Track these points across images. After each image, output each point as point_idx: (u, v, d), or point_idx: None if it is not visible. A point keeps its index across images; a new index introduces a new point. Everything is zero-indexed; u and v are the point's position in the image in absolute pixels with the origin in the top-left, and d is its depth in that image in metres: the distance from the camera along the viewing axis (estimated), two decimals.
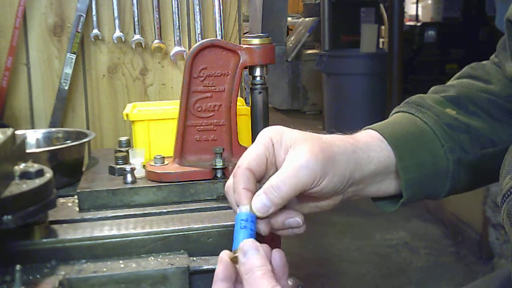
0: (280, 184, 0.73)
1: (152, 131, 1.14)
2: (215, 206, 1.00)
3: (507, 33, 0.87)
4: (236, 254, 0.70)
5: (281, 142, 0.78)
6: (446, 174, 0.86)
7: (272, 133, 0.78)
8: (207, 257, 0.89)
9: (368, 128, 0.88)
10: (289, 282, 0.76)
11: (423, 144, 0.85)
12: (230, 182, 0.77)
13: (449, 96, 0.90)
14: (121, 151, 1.15)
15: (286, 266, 0.74)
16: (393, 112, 0.93)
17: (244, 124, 1.15)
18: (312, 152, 0.76)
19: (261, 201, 0.74)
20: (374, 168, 0.83)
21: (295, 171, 0.74)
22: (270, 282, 0.67)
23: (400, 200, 0.85)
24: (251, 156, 0.76)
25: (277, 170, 0.77)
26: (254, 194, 0.74)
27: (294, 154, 0.76)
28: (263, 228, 0.76)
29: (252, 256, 0.69)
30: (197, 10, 1.53)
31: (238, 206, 0.74)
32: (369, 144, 0.83)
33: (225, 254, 0.71)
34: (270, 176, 0.76)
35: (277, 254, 0.73)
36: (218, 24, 1.52)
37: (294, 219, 0.79)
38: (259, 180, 0.77)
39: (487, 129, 0.88)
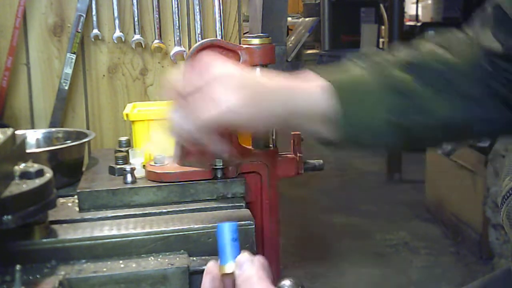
0: (205, 118, 0.80)
1: (152, 131, 1.14)
2: (215, 206, 1.00)
3: (493, 18, 0.88)
4: (227, 271, 0.70)
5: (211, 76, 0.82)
6: (382, 133, 0.89)
7: (205, 63, 0.83)
8: (207, 257, 0.89)
9: (313, 74, 0.90)
10: (289, 282, 0.76)
11: (364, 100, 0.88)
12: None
13: (405, 60, 0.91)
14: (121, 151, 1.15)
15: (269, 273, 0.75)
16: (346, 60, 0.95)
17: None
18: (242, 98, 0.81)
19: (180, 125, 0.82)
20: (309, 112, 0.87)
21: (222, 108, 0.81)
22: (267, 285, 0.68)
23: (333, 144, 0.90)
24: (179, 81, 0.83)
25: None
26: None
27: (223, 93, 0.81)
28: None
29: (248, 267, 0.69)
30: (197, 10, 1.53)
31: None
32: (306, 91, 0.87)
33: (212, 266, 0.71)
34: None
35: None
36: (218, 24, 1.52)
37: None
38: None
39: (429, 100, 0.90)
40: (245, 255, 0.71)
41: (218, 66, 0.82)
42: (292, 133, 1.15)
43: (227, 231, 0.71)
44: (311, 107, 0.87)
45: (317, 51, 7.01)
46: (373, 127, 0.89)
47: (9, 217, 0.75)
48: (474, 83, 0.90)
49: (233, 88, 0.81)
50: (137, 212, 0.97)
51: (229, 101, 0.79)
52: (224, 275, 0.70)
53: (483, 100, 0.90)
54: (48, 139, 1.33)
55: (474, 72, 0.90)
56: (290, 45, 6.61)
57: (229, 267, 0.70)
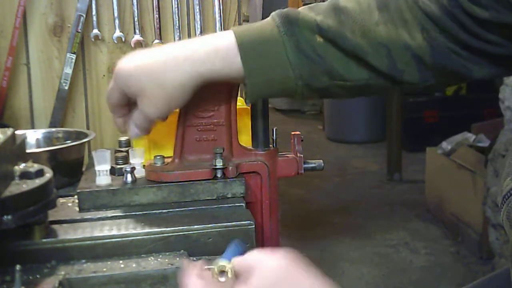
0: (143, 125, 1.00)
1: (152, 131, 1.14)
2: (215, 206, 1.00)
3: None
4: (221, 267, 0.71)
5: (128, 87, 0.95)
6: (294, 93, 0.95)
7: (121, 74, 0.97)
8: (207, 257, 0.89)
9: (228, 34, 0.94)
10: None
11: (275, 65, 0.92)
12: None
13: (324, 28, 0.93)
14: (121, 151, 1.15)
15: None
16: (272, 14, 0.97)
17: (244, 124, 1.15)
18: (156, 106, 0.95)
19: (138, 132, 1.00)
20: (220, 80, 0.94)
21: (148, 118, 0.97)
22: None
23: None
24: (112, 97, 0.99)
25: None
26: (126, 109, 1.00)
27: (142, 105, 0.95)
28: None
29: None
30: (197, 10, 1.53)
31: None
32: (213, 66, 0.92)
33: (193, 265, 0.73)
34: None
35: None
36: (218, 24, 1.52)
37: None
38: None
39: (341, 65, 0.93)
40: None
41: None
42: (292, 133, 1.15)
43: (234, 247, 0.76)
44: (215, 71, 0.92)
45: None
46: (285, 87, 0.94)
47: (9, 217, 0.75)
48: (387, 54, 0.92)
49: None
50: (137, 212, 0.97)
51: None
52: (215, 272, 0.71)
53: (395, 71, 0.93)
54: (48, 139, 1.33)
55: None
56: None
57: (221, 264, 0.71)
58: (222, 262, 0.72)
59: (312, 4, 0.97)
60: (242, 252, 0.74)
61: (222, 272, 0.71)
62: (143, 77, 0.93)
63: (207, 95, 1.04)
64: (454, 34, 0.88)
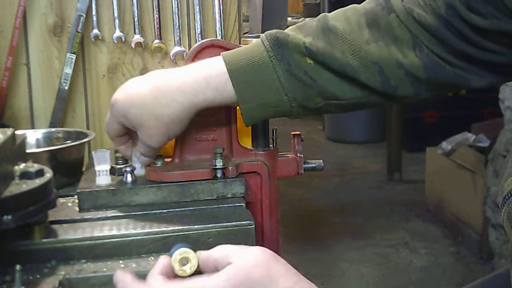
0: (145, 158, 1.04)
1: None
2: (215, 206, 1.00)
3: None
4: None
5: (128, 120, 0.99)
6: (290, 113, 0.96)
7: (120, 110, 1.01)
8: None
9: (223, 59, 0.95)
10: None
11: (268, 90, 0.93)
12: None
13: (314, 50, 0.93)
14: None
15: None
16: (259, 38, 0.97)
17: (244, 124, 1.15)
18: (157, 135, 0.98)
19: (142, 163, 1.05)
20: (216, 105, 0.96)
21: (151, 147, 1.01)
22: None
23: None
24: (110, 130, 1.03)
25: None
26: (130, 143, 1.06)
27: (142, 137, 0.99)
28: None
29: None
30: (197, 10, 1.53)
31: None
32: (206, 88, 0.94)
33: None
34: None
35: None
36: (218, 24, 1.52)
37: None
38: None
39: (334, 86, 0.94)
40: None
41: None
42: (292, 133, 1.15)
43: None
44: (210, 99, 0.94)
45: None
46: (279, 109, 0.95)
47: (9, 217, 0.75)
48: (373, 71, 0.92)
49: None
50: (137, 212, 0.97)
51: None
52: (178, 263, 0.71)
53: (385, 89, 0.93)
54: (48, 139, 1.33)
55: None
56: None
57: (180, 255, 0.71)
58: (183, 251, 0.71)
59: (300, 23, 0.98)
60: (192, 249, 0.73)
61: (185, 260, 0.71)
62: (139, 111, 0.95)
63: None
64: (452, 44, 0.88)
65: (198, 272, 0.71)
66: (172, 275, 0.71)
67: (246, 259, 0.69)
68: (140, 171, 1.05)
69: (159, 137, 0.97)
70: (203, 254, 0.72)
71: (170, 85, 0.94)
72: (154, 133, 0.96)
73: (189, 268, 0.71)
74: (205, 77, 0.93)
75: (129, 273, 0.73)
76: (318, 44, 0.92)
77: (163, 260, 0.72)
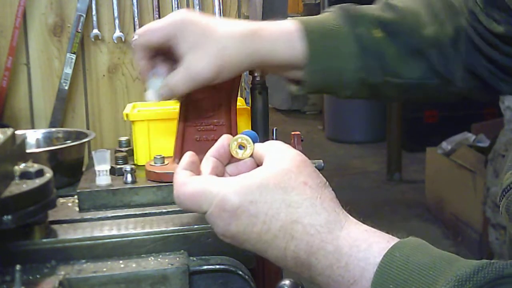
0: (181, 82, 0.89)
1: (152, 131, 1.14)
2: None
3: None
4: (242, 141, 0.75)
5: (184, 36, 0.87)
6: (348, 87, 0.94)
7: (179, 24, 0.88)
8: (207, 257, 0.89)
9: (290, 20, 0.94)
10: (289, 282, 0.76)
11: (335, 57, 0.92)
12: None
13: (382, 19, 0.93)
14: (121, 151, 1.15)
15: None
16: (330, 9, 0.97)
17: (244, 124, 1.15)
18: (209, 62, 0.87)
19: (165, 89, 0.91)
20: (278, 63, 0.92)
21: (192, 75, 0.88)
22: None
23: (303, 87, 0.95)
24: (153, 36, 0.91)
25: (173, 54, 0.89)
26: (151, 64, 0.93)
27: (192, 59, 0.87)
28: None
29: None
30: (197, 10, 1.53)
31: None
32: (276, 40, 0.91)
33: (227, 139, 0.76)
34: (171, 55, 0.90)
35: None
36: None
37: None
38: (159, 53, 0.92)
39: (398, 61, 0.93)
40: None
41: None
42: (292, 133, 1.15)
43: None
44: (277, 51, 0.90)
45: None
46: (341, 79, 0.93)
47: (9, 217, 0.75)
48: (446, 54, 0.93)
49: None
50: (137, 212, 0.97)
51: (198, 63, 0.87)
52: (234, 154, 0.75)
53: (452, 71, 0.93)
54: (48, 139, 1.33)
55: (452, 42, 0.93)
56: None
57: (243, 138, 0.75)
58: (245, 138, 0.74)
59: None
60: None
61: (242, 147, 0.74)
62: (202, 31, 0.88)
63: (207, 95, 1.04)
64: (480, 47, 0.90)
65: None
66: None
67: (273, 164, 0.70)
68: (152, 96, 0.95)
69: (205, 69, 0.87)
70: (257, 146, 0.75)
71: (243, 28, 0.91)
72: (205, 62, 0.87)
73: (241, 154, 0.75)
74: (279, 29, 0.91)
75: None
76: (388, 16, 0.93)
77: (223, 140, 0.76)
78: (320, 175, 0.73)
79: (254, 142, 0.75)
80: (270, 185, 0.66)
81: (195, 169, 0.74)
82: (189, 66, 0.87)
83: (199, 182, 0.69)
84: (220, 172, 0.74)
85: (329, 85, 0.94)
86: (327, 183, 0.75)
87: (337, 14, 0.94)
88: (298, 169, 0.69)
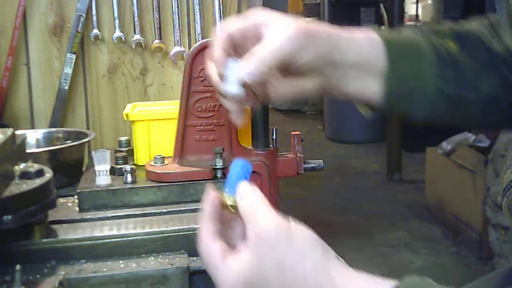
0: (266, 51, 0.78)
1: (152, 131, 1.14)
2: None
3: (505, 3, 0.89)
4: (230, 203, 0.70)
5: (268, 24, 0.81)
6: (426, 98, 0.89)
7: (261, 15, 0.82)
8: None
9: (370, 29, 0.90)
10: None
11: (414, 61, 0.88)
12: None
13: (458, 32, 0.92)
14: (121, 151, 1.15)
15: None
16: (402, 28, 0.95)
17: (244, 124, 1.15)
18: (295, 26, 0.80)
19: (249, 69, 0.77)
20: (355, 59, 0.85)
21: (280, 39, 0.78)
22: (274, 213, 0.68)
23: (379, 105, 0.89)
24: (235, 26, 0.81)
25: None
26: (229, 55, 0.80)
27: (278, 26, 0.80)
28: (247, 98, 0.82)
29: (251, 194, 0.70)
30: (197, 10, 1.53)
31: (216, 67, 0.80)
32: (355, 37, 0.86)
33: (214, 195, 0.71)
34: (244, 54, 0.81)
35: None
36: (218, 24, 1.52)
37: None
38: (237, 49, 0.82)
39: (474, 75, 0.90)
40: (247, 184, 0.71)
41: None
42: (292, 133, 1.15)
43: (240, 167, 0.72)
44: (358, 55, 0.85)
45: None
46: (421, 88, 0.88)
47: (9, 217, 0.75)
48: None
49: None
50: (137, 212, 0.97)
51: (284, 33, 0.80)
52: (224, 207, 0.71)
53: None
54: (48, 139, 1.33)
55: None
56: None
57: (230, 199, 0.70)
58: (230, 197, 0.71)
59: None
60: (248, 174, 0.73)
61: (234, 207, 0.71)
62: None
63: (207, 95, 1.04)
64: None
65: None
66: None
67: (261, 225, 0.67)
68: (236, 89, 0.80)
69: (291, 38, 0.79)
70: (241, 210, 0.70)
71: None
72: (291, 29, 0.79)
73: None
74: (355, 32, 0.87)
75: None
76: (461, 29, 0.92)
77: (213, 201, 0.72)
78: (299, 238, 0.67)
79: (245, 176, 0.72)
80: (251, 281, 0.66)
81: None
82: (275, 34, 0.79)
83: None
84: (221, 232, 0.72)
85: (407, 92, 0.88)
86: (311, 241, 0.68)
87: (410, 28, 0.92)
88: (272, 249, 0.67)
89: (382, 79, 0.87)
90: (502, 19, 0.93)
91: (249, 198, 0.70)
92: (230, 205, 0.71)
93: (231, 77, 0.79)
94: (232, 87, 0.79)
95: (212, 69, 0.82)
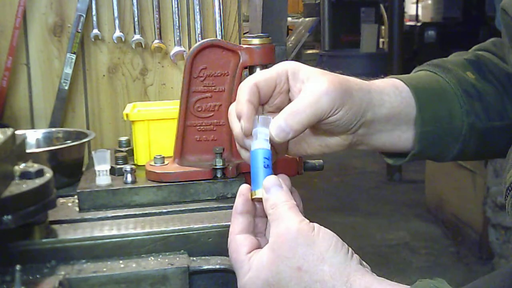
0: (301, 109, 0.73)
1: (152, 131, 1.14)
2: (215, 206, 1.00)
3: (502, 22, 0.88)
4: (257, 196, 0.72)
5: (297, 75, 0.77)
6: (458, 136, 0.87)
7: (288, 65, 0.78)
8: (207, 257, 0.89)
9: (389, 77, 0.88)
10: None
11: (443, 100, 0.86)
12: (233, 105, 0.78)
13: (471, 60, 0.91)
14: (121, 151, 1.15)
15: (296, 195, 0.78)
16: (414, 70, 0.94)
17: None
18: (332, 82, 0.75)
19: (280, 126, 0.73)
20: (386, 112, 0.83)
21: (316, 97, 0.74)
22: (297, 215, 0.70)
23: (410, 153, 0.86)
24: (261, 76, 0.77)
25: (289, 100, 0.78)
26: (256, 109, 0.75)
27: (314, 83, 0.75)
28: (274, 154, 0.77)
29: (276, 191, 0.71)
30: (197, 10, 1.53)
31: (240, 118, 0.75)
32: (383, 89, 0.84)
33: (245, 188, 0.74)
34: (277, 104, 0.78)
35: (282, 177, 0.75)
36: (218, 24, 1.52)
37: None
38: (264, 102, 0.78)
39: (498, 101, 0.89)
40: (272, 178, 0.72)
41: None
42: None
43: (260, 157, 0.72)
44: (389, 109, 0.83)
45: (317, 51, 7.01)
46: (454, 128, 0.86)
47: (9, 217, 0.75)
48: None
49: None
50: (137, 212, 0.97)
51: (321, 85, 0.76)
52: (255, 199, 0.73)
53: None
54: (48, 139, 1.33)
55: None
56: (290, 45, 6.61)
57: (259, 192, 0.72)
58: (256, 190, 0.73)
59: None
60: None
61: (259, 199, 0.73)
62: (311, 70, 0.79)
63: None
64: None
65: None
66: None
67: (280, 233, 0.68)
68: (263, 146, 0.75)
69: (330, 94, 0.74)
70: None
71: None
72: (330, 86, 0.75)
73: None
74: (381, 82, 0.85)
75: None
76: (472, 57, 0.91)
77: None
78: (320, 242, 0.69)
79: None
80: (269, 280, 0.68)
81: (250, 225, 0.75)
82: (309, 90, 0.75)
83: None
84: (251, 225, 0.75)
85: (439, 134, 0.86)
86: (332, 246, 0.69)
87: (428, 68, 0.90)
88: (291, 251, 0.67)
89: (413, 126, 0.85)
90: (505, 40, 0.92)
91: (273, 195, 0.71)
92: (257, 198, 0.72)
93: (260, 134, 0.74)
94: (259, 144, 0.74)
95: (236, 124, 0.77)
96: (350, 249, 0.69)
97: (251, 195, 0.73)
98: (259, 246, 0.72)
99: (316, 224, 0.70)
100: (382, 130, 0.85)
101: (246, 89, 0.75)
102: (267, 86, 0.77)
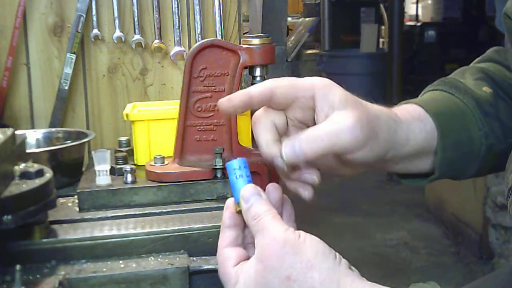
0: (321, 137, 0.71)
1: (152, 131, 1.14)
2: (215, 206, 1.00)
3: (505, 27, 0.88)
4: (240, 208, 0.71)
5: (327, 97, 0.73)
6: (477, 157, 0.86)
7: (317, 83, 0.74)
8: (207, 257, 0.89)
9: (410, 103, 0.86)
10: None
11: (463, 124, 0.85)
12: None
13: (487, 71, 0.90)
14: (121, 151, 1.15)
15: (288, 204, 0.77)
16: (428, 89, 0.92)
17: (244, 124, 1.15)
18: (360, 119, 0.72)
19: (293, 147, 0.72)
20: (410, 150, 0.82)
21: (339, 131, 0.71)
22: (282, 224, 0.68)
23: (429, 176, 0.86)
24: (281, 83, 0.74)
25: (313, 119, 0.75)
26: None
27: (341, 115, 0.72)
28: (279, 170, 0.76)
29: (255, 201, 0.70)
30: (197, 10, 1.53)
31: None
32: (410, 125, 0.81)
33: (231, 202, 0.72)
34: (298, 118, 0.76)
35: (271, 188, 0.74)
36: (218, 24, 1.52)
37: (312, 175, 0.80)
38: (279, 109, 0.76)
39: (509, 117, 0.88)
40: (249, 187, 0.71)
41: None
42: None
43: (230, 169, 0.72)
44: (413, 147, 0.81)
45: (317, 51, 7.01)
46: (473, 151, 0.86)
47: (9, 217, 0.75)
48: None
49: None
50: (137, 212, 0.97)
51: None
52: (239, 212, 0.72)
53: None
54: (48, 139, 1.33)
55: None
56: (290, 45, 6.61)
57: (237, 204, 0.71)
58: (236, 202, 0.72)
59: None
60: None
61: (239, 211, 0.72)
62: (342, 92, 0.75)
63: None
64: None
65: None
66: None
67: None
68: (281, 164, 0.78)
69: (356, 129, 0.72)
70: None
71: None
72: (356, 120, 0.72)
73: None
74: (403, 110, 0.83)
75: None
76: (489, 68, 0.91)
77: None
78: (307, 249, 0.67)
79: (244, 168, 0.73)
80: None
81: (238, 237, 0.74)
82: (337, 121, 0.72)
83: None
84: (240, 238, 0.73)
85: (459, 158, 0.86)
86: (319, 252, 0.67)
87: (440, 86, 0.89)
88: (278, 261, 0.66)
89: (433, 154, 0.84)
90: (507, 46, 0.91)
91: (254, 206, 0.70)
92: (238, 211, 0.71)
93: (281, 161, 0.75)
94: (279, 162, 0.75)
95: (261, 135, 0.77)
96: (337, 254, 0.68)
97: (235, 209, 0.72)
98: (247, 258, 0.71)
99: (301, 232, 0.68)
100: (403, 162, 0.84)
101: (260, 89, 0.75)
102: (283, 95, 0.74)
